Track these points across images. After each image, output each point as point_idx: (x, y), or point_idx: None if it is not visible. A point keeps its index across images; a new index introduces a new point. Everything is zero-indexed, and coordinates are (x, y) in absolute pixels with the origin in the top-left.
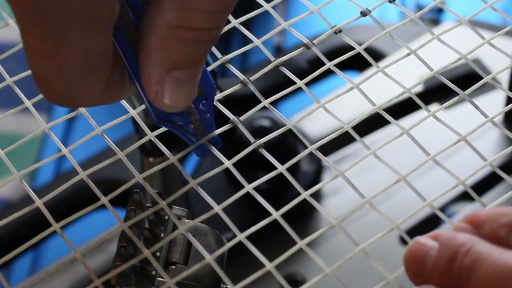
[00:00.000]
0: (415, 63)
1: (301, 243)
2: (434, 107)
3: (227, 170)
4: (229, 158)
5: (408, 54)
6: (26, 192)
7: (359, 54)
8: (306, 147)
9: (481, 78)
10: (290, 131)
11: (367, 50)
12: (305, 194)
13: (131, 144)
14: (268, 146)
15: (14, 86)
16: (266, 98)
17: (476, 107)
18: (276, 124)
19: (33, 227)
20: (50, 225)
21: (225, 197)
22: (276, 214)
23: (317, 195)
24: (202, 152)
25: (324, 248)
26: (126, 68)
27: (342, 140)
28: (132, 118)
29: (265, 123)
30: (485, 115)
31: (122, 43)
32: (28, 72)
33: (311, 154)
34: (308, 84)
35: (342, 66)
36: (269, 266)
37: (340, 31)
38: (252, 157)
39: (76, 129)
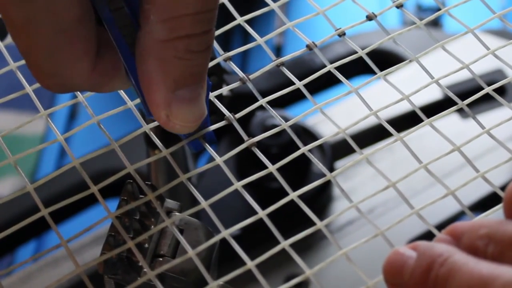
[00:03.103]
0: (440, 71)
1: (284, 243)
2: (454, 116)
3: (240, 168)
4: (246, 158)
5: (410, 61)
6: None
7: (382, 58)
8: (320, 149)
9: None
10: (304, 131)
11: (390, 55)
12: (293, 195)
13: (139, 139)
14: (280, 145)
15: (17, 72)
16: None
17: (474, 117)
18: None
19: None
20: (59, 217)
21: (236, 195)
22: (262, 213)
23: (328, 198)
24: (195, 147)
25: (331, 251)
26: (122, 61)
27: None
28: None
29: (278, 122)
30: (482, 126)
31: (117, 36)
32: None
33: (323, 156)
34: (330, 87)
35: (363, 71)
36: (250, 264)
37: (344, 34)
38: (266, 156)
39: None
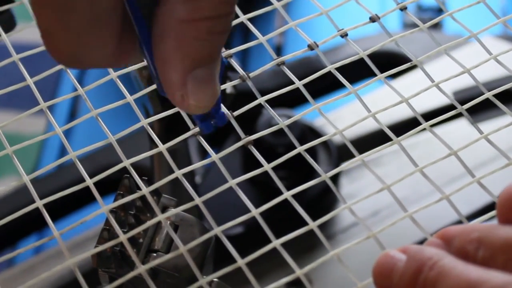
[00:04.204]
0: (446, 76)
1: (275, 242)
2: (461, 121)
3: (246, 167)
4: (251, 157)
5: (410, 63)
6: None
7: (390, 60)
8: (326, 150)
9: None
10: (311, 132)
11: (396, 58)
12: (287, 194)
13: (143, 136)
14: (285, 145)
15: (19, 63)
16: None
17: (472, 123)
18: (295, 123)
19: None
20: (61, 213)
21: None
22: (254, 211)
23: (333, 199)
24: (207, 128)
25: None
26: (137, 35)
27: (360, 146)
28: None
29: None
30: (480, 132)
31: (134, 9)
32: (35, 50)
33: (329, 157)
34: (337, 88)
35: (372, 73)
36: (240, 262)
37: (346, 34)
38: (269, 154)
39: (77, 125)
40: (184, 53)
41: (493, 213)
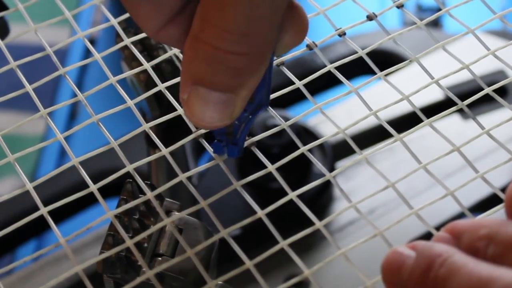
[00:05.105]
0: (441, 71)
1: (282, 243)
2: (455, 117)
3: (241, 168)
4: (247, 158)
5: (410, 61)
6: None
7: (384, 59)
8: (321, 149)
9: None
10: (305, 131)
11: (392, 55)
12: (292, 195)
13: (139, 139)
14: (281, 145)
15: (17, 70)
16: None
17: (474, 118)
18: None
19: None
20: (60, 216)
21: (237, 195)
22: (260, 213)
23: (329, 198)
24: (215, 150)
25: (332, 251)
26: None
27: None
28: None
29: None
30: (482, 127)
31: None
32: (33, 57)
33: (324, 156)
34: (333, 87)
35: (367, 71)
36: (248, 263)
37: (344, 33)
38: (264, 155)
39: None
40: (186, 64)
41: (499, 207)
